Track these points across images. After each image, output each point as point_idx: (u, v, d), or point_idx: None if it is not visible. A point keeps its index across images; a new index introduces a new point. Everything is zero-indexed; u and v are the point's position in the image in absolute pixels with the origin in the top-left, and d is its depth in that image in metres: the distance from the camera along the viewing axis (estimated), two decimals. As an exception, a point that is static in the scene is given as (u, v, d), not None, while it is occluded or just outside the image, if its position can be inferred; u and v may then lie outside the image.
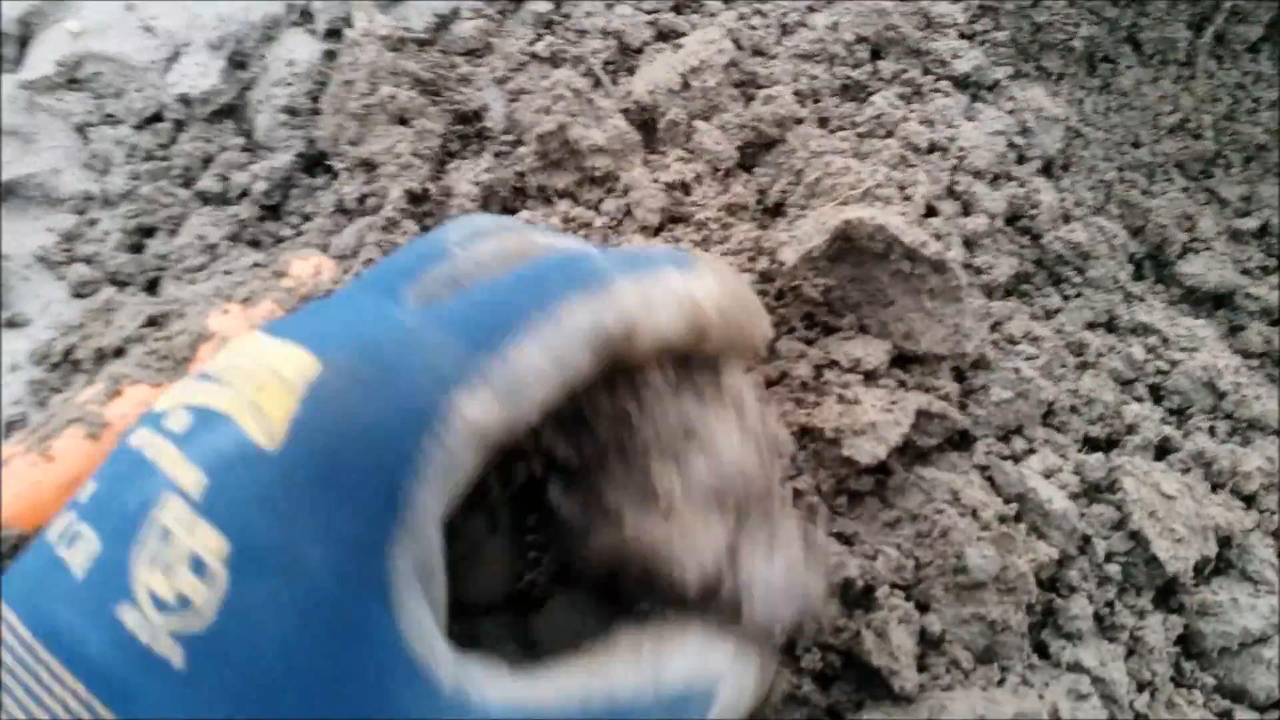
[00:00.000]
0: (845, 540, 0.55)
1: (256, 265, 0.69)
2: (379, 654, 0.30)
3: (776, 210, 0.67)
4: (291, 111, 0.79)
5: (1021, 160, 0.72)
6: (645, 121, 0.72)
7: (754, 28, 0.77)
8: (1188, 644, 0.56)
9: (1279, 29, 0.82)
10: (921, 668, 0.51)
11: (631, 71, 0.76)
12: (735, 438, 0.39)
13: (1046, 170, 0.74)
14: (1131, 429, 0.62)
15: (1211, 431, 0.64)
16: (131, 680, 0.29)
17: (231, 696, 0.29)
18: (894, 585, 0.53)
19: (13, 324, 0.71)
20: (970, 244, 0.66)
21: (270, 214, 0.76)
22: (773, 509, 0.40)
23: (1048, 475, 0.57)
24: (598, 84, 0.75)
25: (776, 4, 0.78)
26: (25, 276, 0.74)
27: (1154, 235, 0.75)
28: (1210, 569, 0.57)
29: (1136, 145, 0.81)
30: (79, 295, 0.72)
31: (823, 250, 0.58)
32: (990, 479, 0.57)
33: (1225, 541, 0.58)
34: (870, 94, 0.73)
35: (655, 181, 0.67)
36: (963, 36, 0.76)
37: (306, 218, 0.75)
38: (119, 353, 0.63)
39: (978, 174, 0.69)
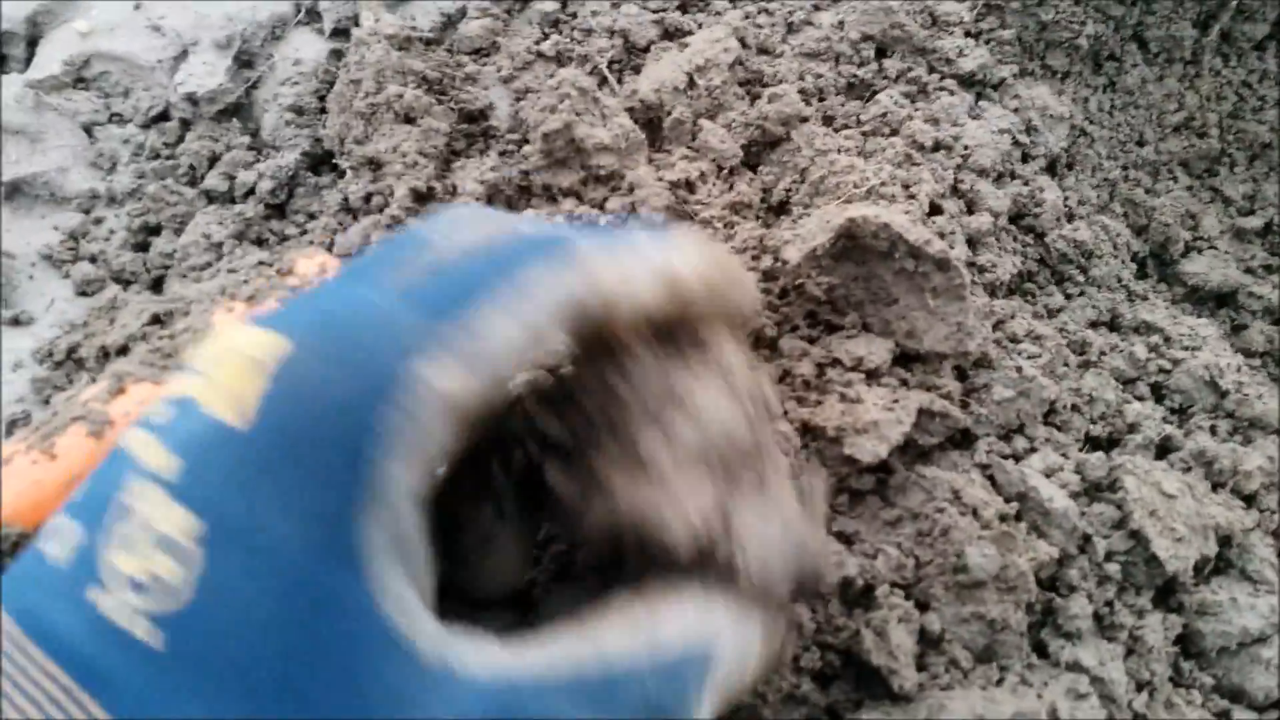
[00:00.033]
0: (846, 539, 0.55)
1: (261, 264, 0.69)
2: (354, 626, 0.30)
3: (781, 208, 0.67)
4: (298, 110, 0.79)
5: (1026, 159, 0.72)
6: (650, 120, 0.72)
7: (760, 26, 0.77)
8: (1187, 644, 0.56)
9: (1285, 27, 0.82)
10: (921, 667, 0.52)
11: (637, 70, 0.77)
12: (719, 399, 0.39)
13: (1051, 169, 0.74)
14: (1133, 428, 0.62)
15: (1213, 431, 0.64)
16: (108, 663, 0.29)
17: (209, 674, 0.29)
18: (894, 584, 0.53)
19: (17, 322, 0.72)
20: (974, 242, 0.66)
21: (276, 212, 0.77)
22: (764, 467, 0.39)
23: (1049, 474, 0.57)
24: (603, 83, 0.75)
25: (782, 3, 0.78)
26: (30, 274, 0.74)
27: (1157, 234, 0.75)
28: (1210, 568, 0.57)
29: (1141, 144, 0.81)
30: (84, 293, 0.73)
31: (827, 248, 0.58)
32: (991, 478, 0.57)
33: (1225, 541, 0.58)
34: (875, 92, 0.73)
35: (660, 180, 0.67)
36: (968, 35, 0.76)
37: (312, 216, 0.75)
38: (123, 351, 0.63)
39: (982, 172, 0.69)
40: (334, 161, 0.76)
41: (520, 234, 0.38)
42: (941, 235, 0.62)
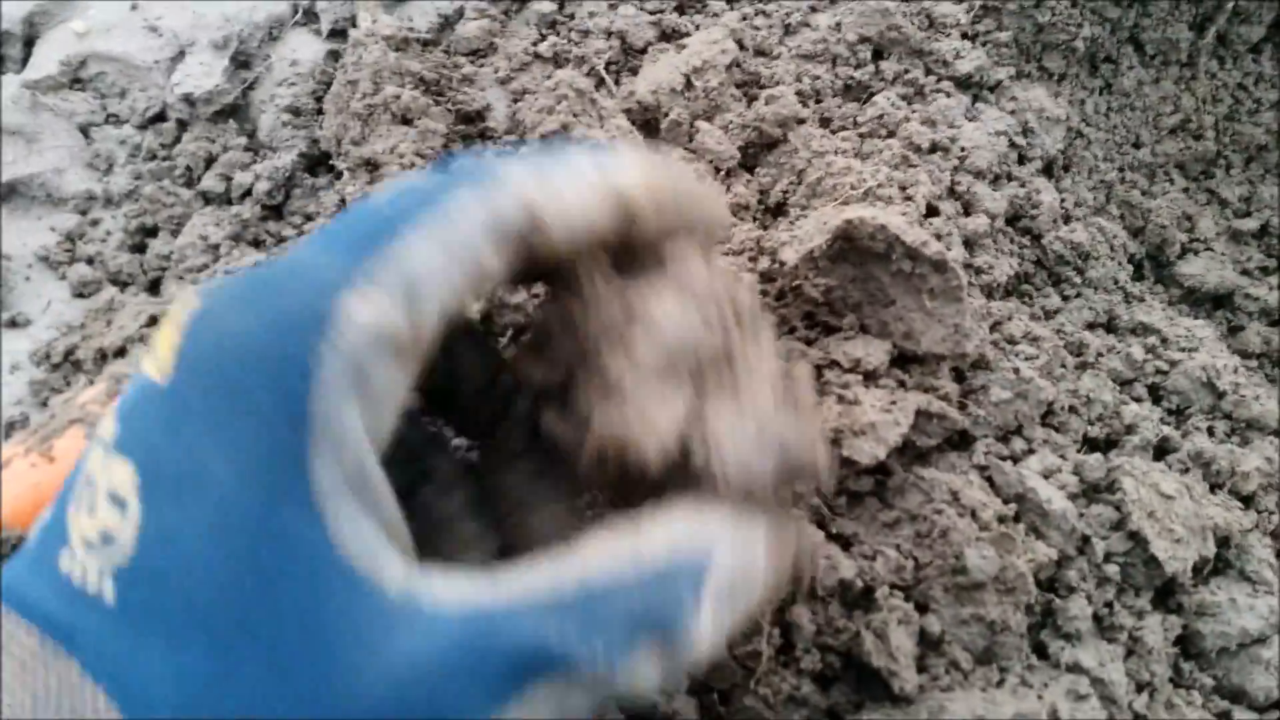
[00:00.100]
0: (845, 541, 0.55)
1: (258, 265, 0.69)
2: (310, 565, 0.30)
3: (778, 210, 0.67)
4: (295, 111, 0.79)
5: (1022, 160, 0.73)
6: (648, 121, 0.72)
7: (757, 28, 0.77)
8: (1186, 644, 0.57)
9: (1280, 29, 0.82)
10: (921, 669, 0.52)
11: (634, 72, 0.77)
12: (675, 309, 0.38)
13: (1047, 170, 0.74)
14: (1130, 429, 0.62)
15: (1210, 432, 0.64)
16: (72, 620, 0.29)
17: (163, 623, 0.29)
18: (893, 586, 0.53)
19: (14, 324, 0.71)
20: (971, 244, 0.66)
21: (273, 214, 0.76)
22: (735, 368, 0.38)
23: (1047, 475, 0.57)
24: (601, 84, 0.75)
25: (779, 4, 0.78)
26: (27, 276, 0.74)
27: (1154, 236, 0.75)
28: (1209, 569, 0.58)
29: (1137, 145, 0.81)
30: (81, 295, 0.73)
31: (824, 250, 0.58)
32: (989, 479, 0.57)
33: (1224, 542, 0.58)
34: (872, 94, 0.73)
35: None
36: (965, 37, 0.76)
37: (309, 218, 0.75)
38: (120, 353, 0.63)
39: (979, 174, 0.69)
40: (331, 163, 0.76)
41: (447, 167, 0.37)
42: (938, 237, 0.62)
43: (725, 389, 0.38)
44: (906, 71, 0.74)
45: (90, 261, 0.74)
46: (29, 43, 0.85)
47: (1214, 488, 0.61)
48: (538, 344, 0.41)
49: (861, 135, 0.70)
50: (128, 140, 0.80)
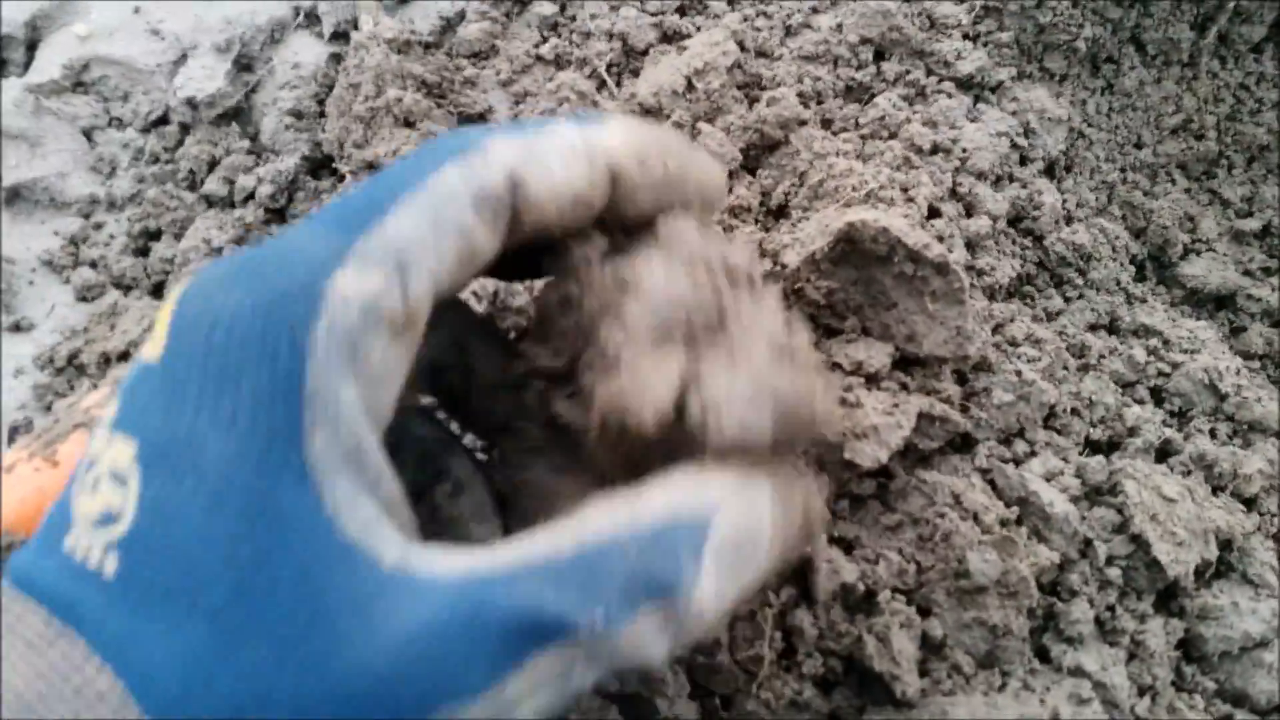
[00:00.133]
0: (846, 544, 0.55)
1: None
2: (305, 537, 0.30)
3: (780, 212, 0.67)
4: (297, 114, 0.79)
5: (1024, 161, 0.72)
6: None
7: (758, 29, 0.77)
8: (1189, 648, 0.57)
9: (1283, 29, 0.82)
10: (923, 673, 0.52)
11: (636, 73, 0.77)
12: (663, 273, 0.38)
13: (1049, 171, 0.74)
14: (1133, 431, 0.62)
15: (1213, 434, 0.64)
16: (77, 598, 0.30)
17: (164, 597, 0.29)
18: (895, 590, 0.53)
19: (18, 328, 0.72)
20: (973, 246, 0.66)
21: (276, 217, 0.76)
22: (729, 327, 0.38)
23: (1049, 478, 0.58)
24: (602, 86, 0.75)
25: (781, 5, 0.78)
26: (31, 280, 0.74)
27: (1156, 236, 0.75)
28: (1211, 572, 0.58)
29: (1139, 146, 0.81)
30: (84, 299, 0.73)
31: (826, 253, 0.58)
32: (992, 482, 0.57)
33: (1226, 545, 0.58)
34: (874, 95, 0.73)
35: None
36: (966, 38, 0.76)
37: (311, 221, 0.75)
38: (124, 357, 0.63)
39: (980, 175, 0.69)
40: (333, 165, 0.76)
41: (432, 142, 0.37)
42: (940, 239, 0.62)
43: (720, 349, 0.37)
44: (908, 72, 0.74)
45: (94, 265, 0.74)
46: (31, 46, 0.85)
47: (1216, 490, 0.61)
48: (542, 331, 0.41)
49: (863, 136, 0.70)
50: (130, 144, 0.80)
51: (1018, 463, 0.59)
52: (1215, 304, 0.75)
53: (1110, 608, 0.55)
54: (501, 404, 0.44)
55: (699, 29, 0.78)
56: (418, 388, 0.44)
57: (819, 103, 0.73)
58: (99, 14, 0.84)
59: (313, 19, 0.84)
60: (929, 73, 0.74)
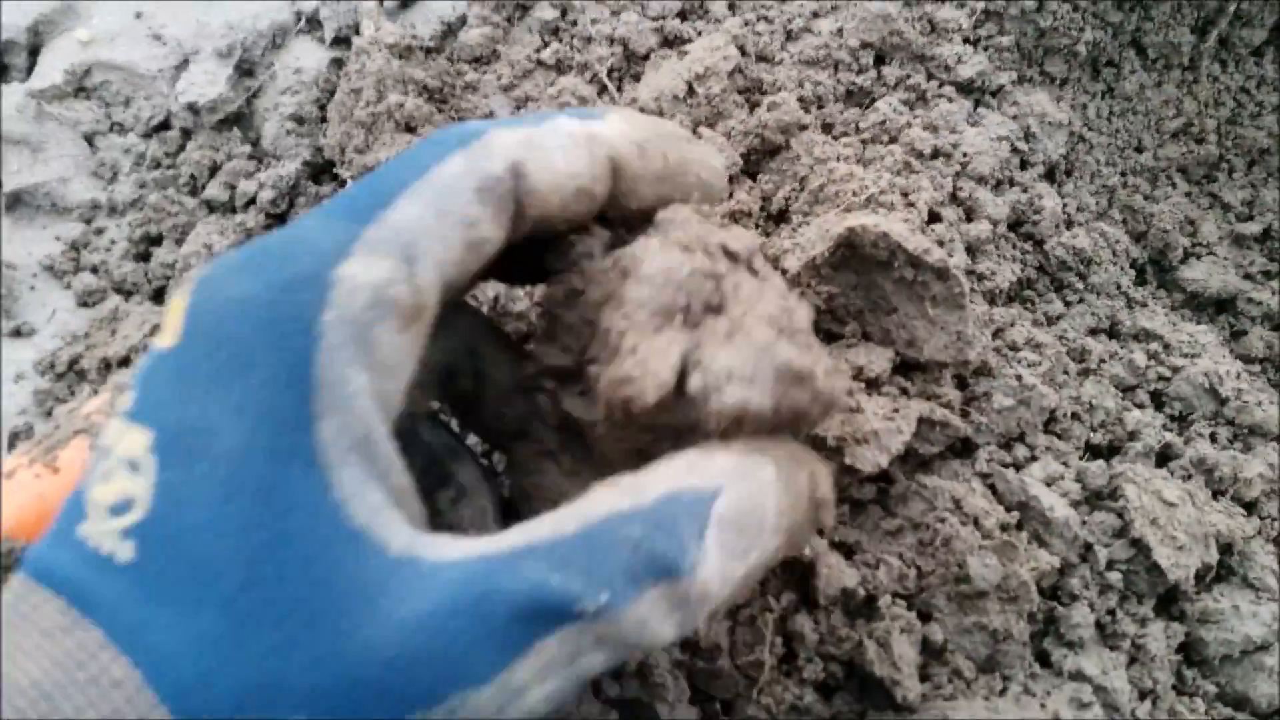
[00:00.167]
0: (847, 549, 0.55)
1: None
2: (312, 523, 0.30)
3: (780, 217, 0.67)
4: (299, 119, 0.80)
5: (1024, 166, 0.72)
6: (650, 128, 0.72)
7: (759, 34, 0.77)
8: (1189, 652, 0.57)
9: (1283, 33, 0.82)
10: (924, 677, 0.52)
11: (637, 78, 0.77)
12: (660, 255, 0.38)
13: (1049, 176, 0.74)
14: (1133, 436, 0.62)
15: (1213, 438, 0.64)
16: (91, 585, 0.30)
17: (177, 582, 0.29)
18: (896, 595, 0.53)
19: (19, 333, 0.72)
20: (973, 250, 0.66)
21: (277, 222, 0.77)
22: (728, 308, 0.38)
23: (1049, 483, 0.58)
24: (603, 91, 0.75)
25: (781, 10, 0.78)
26: (32, 285, 0.74)
27: (1156, 240, 0.75)
28: (1211, 576, 0.58)
29: (1139, 150, 0.81)
30: (85, 304, 0.73)
31: (826, 258, 0.58)
32: (992, 487, 0.57)
33: (1226, 549, 0.58)
34: (874, 100, 0.73)
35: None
36: (967, 42, 0.76)
37: (313, 225, 0.75)
38: (125, 362, 0.63)
39: (981, 180, 0.69)
40: (335, 171, 0.76)
41: (435, 134, 0.38)
42: (940, 243, 0.62)
43: (720, 328, 0.37)
44: (908, 77, 0.74)
45: (95, 270, 0.74)
46: (34, 51, 0.85)
47: (1216, 494, 0.61)
48: (549, 329, 0.42)
49: (864, 141, 0.70)
50: (132, 149, 0.80)
51: (1018, 467, 0.59)
52: (1216, 308, 0.75)
53: (1111, 612, 0.55)
54: (513, 408, 0.44)
55: (700, 34, 0.78)
56: (428, 393, 0.44)
57: (819, 107, 0.73)
58: (101, 19, 0.84)
59: (314, 24, 0.84)
60: (929, 77, 0.74)
